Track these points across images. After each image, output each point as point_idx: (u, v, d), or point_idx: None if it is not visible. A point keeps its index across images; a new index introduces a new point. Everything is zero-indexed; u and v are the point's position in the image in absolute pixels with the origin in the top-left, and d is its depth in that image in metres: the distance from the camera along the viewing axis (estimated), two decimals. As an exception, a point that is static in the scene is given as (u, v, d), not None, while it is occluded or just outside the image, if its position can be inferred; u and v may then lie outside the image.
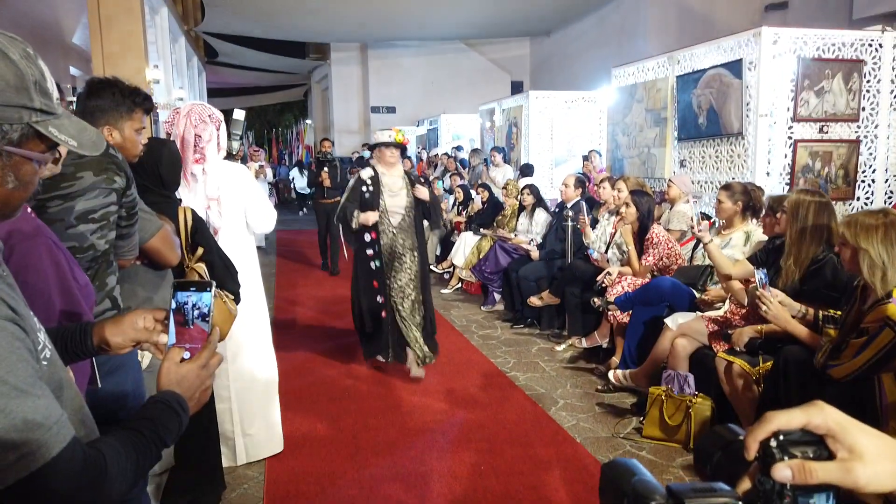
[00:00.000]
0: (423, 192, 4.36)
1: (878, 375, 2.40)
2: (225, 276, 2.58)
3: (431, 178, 10.31)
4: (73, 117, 1.04)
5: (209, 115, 2.98)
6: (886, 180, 5.06)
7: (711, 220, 4.58)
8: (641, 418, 3.64)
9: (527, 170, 8.15)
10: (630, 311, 4.18)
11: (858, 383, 2.47)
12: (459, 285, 7.43)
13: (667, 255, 4.42)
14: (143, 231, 2.08)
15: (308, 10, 13.31)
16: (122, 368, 1.89)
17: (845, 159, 4.95)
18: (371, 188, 4.31)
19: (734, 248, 3.92)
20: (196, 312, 1.20)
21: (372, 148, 4.62)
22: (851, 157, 4.95)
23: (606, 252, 5.03)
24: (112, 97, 2.08)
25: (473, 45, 17.94)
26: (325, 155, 8.64)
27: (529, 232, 6.40)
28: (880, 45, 4.87)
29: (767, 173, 4.83)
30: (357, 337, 4.68)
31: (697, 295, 4.02)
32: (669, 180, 5.30)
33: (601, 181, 5.66)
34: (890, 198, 5.05)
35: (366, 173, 4.38)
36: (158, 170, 2.45)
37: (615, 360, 4.37)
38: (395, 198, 4.35)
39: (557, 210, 6.13)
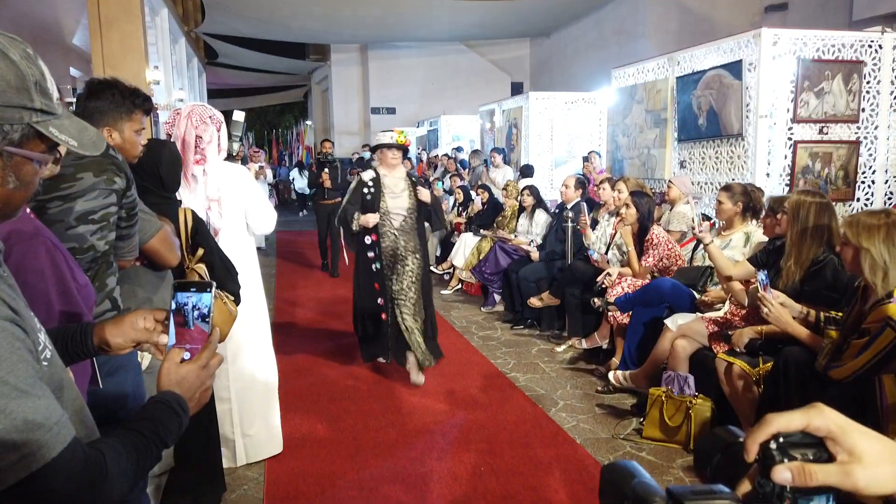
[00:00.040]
0: (425, 195, 4.33)
1: (879, 377, 2.40)
2: (225, 277, 2.58)
3: (431, 179, 10.31)
4: (74, 117, 1.04)
5: (210, 117, 2.98)
6: (886, 181, 5.06)
7: (712, 221, 4.58)
8: (641, 419, 3.64)
9: (527, 171, 8.15)
10: (630, 312, 4.18)
11: (859, 384, 2.47)
12: (459, 286, 7.43)
13: (667, 256, 4.42)
14: (142, 232, 2.08)
15: (308, 12, 13.32)
16: (121, 369, 1.89)
17: (845, 160, 4.95)
18: (372, 190, 4.30)
19: (734, 249, 3.92)
20: (196, 313, 1.20)
21: (374, 149, 4.61)
22: (851, 158, 4.95)
23: (606, 253, 5.03)
24: (112, 98, 2.08)
25: (473, 46, 17.96)
26: (326, 156, 8.61)
27: (529, 233, 6.40)
28: (880, 47, 4.87)
29: (767, 174, 4.83)
30: (356, 337, 4.67)
31: (697, 296, 4.02)
32: (669, 181, 5.31)
33: (601, 182, 5.66)
34: (890, 198, 5.05)
35: (367, 175, 4.37)
36: (158, 171, 2.45)
37: (615, 361, 4.37)
38: (397, 199, 4.33)
39: (557, 211, 6.13)
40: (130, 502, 1.61)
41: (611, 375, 4.05)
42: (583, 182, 6.01)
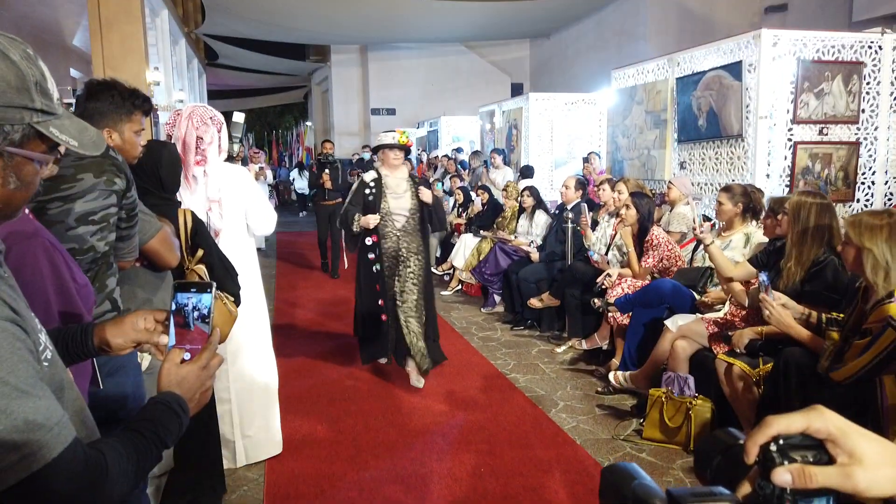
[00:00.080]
0: (427, 196, 4.29)
1: (880, 378, 2.40)
2: (224, 278, 2.58)
3: (431, 180, 10.30)
4: (74, 117, 1.04)
5: (211, 118, 2.98)
6: (886, 182, 5.07)
7: (712, 222, 4.58)
8: (641, 420, 3.64)
9: (527, 171, 8.16)
10: (630, 313, 4.18)
11: (859, 386, 2.47)
12: (459, 287, 7.43)
13: (667, 256, 4.42)
14: (142, 233, 2.08)
15: (308, 13, 13.33)
16: (121, 370, 1.89)
17: (845, 161, 4.95)
18: (374, 191, 4.27)
19: (734, 249, 3.93)
20: (196, 314, 1.20)
21: (375, 150, 4.58)
22: (851, 158, 4.96)
23: (606, 254, 5.03)
24: (111, 99, 2.08)
25: (473, 47, 17.97)
26: (327, 156, 8.61)
27: (529, 234, 6.40)
28: (880, 48, 4.87)
29: (767, 175, 4.83)
30: (356, 339, 4.66)
31: (697, 297, 4.02)
32: (669, 182, 5.31)
33: (601, 183, 5.67)
34: (890, 199, 5.05)
35: (368, 176, 4.34)
36: (158, 172, 2.45)
37: (615, 361, 4.37)
38: (400, 200, 4.30)
39: (557, 212, 6.13)
40: (130, 503, 1.61)
41: (611, 376, 4.05)
42: (583, 183, 6.01)
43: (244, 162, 11.32)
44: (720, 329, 3.54)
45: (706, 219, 4.82)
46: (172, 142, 2.90)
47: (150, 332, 1.27)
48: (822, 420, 0.60)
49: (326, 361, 4.97)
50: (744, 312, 3.53)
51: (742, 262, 3.64)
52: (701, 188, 5.55)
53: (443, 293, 7.27)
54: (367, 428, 3.76)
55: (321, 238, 8.65)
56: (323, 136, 19.32)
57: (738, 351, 3.24)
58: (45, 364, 0.99)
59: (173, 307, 1.20)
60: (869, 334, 2.43)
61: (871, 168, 5.03)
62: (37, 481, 0.87)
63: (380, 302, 4.30)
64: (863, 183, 5.04)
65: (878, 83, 4.89)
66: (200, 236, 2.56)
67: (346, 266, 7.85)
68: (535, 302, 5.46)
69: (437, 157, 12.18)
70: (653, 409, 3.49)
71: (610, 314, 4.36)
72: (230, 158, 4.22)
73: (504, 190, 7.29)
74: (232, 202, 3.06)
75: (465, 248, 7.27)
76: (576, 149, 8.75)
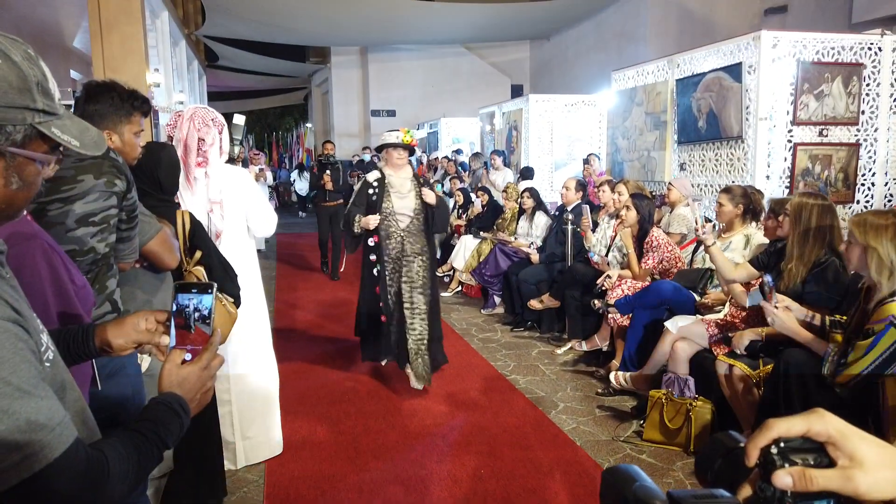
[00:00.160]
0: (430, 196, 4.24)
1: (881, 380, 2.40)
2: (224, 279, 2.58)
3: (432, 181, 10.31)
4: (76, 118, 1.04)
5: (212, 119, 2.99)
6: (886, 183, 5.07)
7: (712, 224, 4.58)
8: (642, 422, 3.64)
9: (527, 173, 8.16)
10: (630, 315, 4.18)
11: (860, 388, 2.47)
12: (459, 288, 7.43)
13: (667, 258, 4.43)
14: (141, 234, 2.08)
15: (308, 14, 13.33)
16: (122, 371, 1.89)
17: (845, 162, 4.96)
18: (377, 191, 4.23)
19: (734, 251, 3.93)
20: (197, 315, 1.20)
21: (379, 149, 4.54)
22: (851, 160, 4.96)
23: (607, 255, 5.03)
24: (111, 101, 2.08)
25: (473, 48, 17.98)
26: (328, 157, 8.60)
27: (529, 235, 6.40)
28: (880, 49, 4.88)
29: (767, 177, 4.84)
30: (357, 340, 4.65)
31: (697, 298, 4.02)
32: (669, 184, 5.31)
33: (601, 184, 5.67)
34: (889, 201, 5.06)
35: (371, 176, 4.30)
36: (156, 174, 2.45)
37: (615, 363, 4.36)
38: (404, 200, 4.24)
39: (557, 213, 6.14)
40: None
41: (612, 377, 4.05)
42: (583, 184, 6.02)
43: (244, 163, 11.34)
44: (720, 330, 3.54)
45: (707, 220, 4.82)
46: (174, 143, 2.90)
47: (152, 332, 1.27)
48: (823, 423, 0.60)
49: (326, 363, 4.96)
50: (744, 313, 3.53)
51: (743, 263, 3.64)
52: (701, 190, 5.55)
53: (443, 295, 7.26)
54: (368, 429, 3.75)
55: (322, 239, 8.64)
56: (323, 137, 19.31)
57: (739, 352, 3.24)
58: (47, 364, 0.99)
59: (174, 308, 1.20)
60: (871, 334, 2.43)
61: (870, 169, 5.03)
62: (38, 481, 0.87)
63: (381, 303, 4.29)
64: (862, 184, 5.04)
65: (878, 84, 4.90)
66: (199, 238, 2.56)
67: (343, 269, 7.84)
68: (535, 303, 5.46)
69: (437, 159, 12.19)
70: (653, 410, 3.49)
71: (610, 315, 4.36)
72: (231, 160, 4.22)
73: (504, 191, 7.30)
74: (233, 204, 3.06)
75: (465, 250, 7.27)
76: (576, 150, 8.76)
